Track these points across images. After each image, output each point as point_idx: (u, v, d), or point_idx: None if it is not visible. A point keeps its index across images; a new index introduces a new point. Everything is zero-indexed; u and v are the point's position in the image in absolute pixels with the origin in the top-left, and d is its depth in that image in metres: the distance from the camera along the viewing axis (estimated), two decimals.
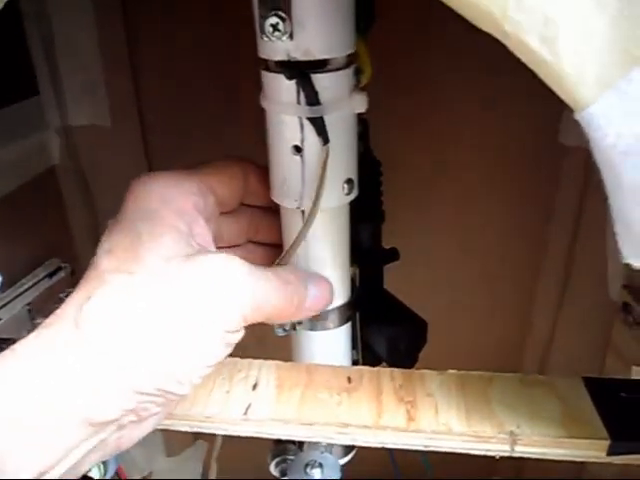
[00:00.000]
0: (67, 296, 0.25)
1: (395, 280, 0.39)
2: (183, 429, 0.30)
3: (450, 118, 0.48)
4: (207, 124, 0.51)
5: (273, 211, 0.33)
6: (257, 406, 0.30)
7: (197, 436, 0.68)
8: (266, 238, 0.35)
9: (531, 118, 0.46)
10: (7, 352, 0.23)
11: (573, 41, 0.16)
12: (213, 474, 0.67)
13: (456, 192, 0.51)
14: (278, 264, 0.31)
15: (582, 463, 0.50)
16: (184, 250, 0.26)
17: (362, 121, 0.35)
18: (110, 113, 0.49)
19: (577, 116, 0.18)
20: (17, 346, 0.23)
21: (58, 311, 0.24)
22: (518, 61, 0.17)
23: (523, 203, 0.51)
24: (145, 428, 0.27)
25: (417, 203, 0.51)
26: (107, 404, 0.23)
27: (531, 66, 0.17)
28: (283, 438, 0.29)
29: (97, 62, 0.47)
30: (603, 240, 0.45)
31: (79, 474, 0.25)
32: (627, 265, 0.30)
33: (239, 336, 0.26)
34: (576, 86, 0.17)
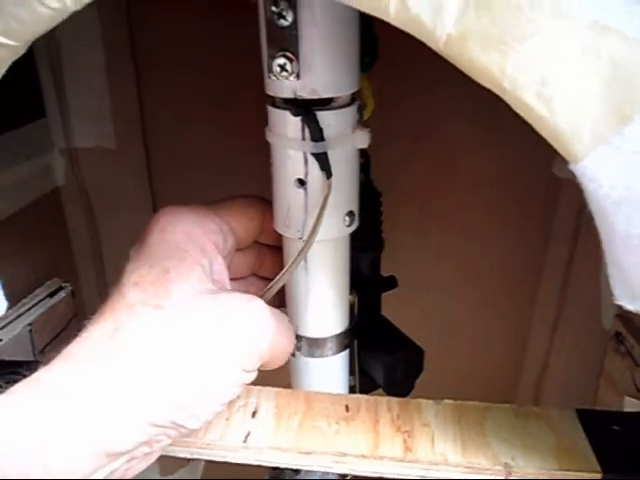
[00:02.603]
0: (74, 321, 0.26)
1: (393, 306, 0.40)
2: (182, 455, 0.30)
3: (446, 149, 0.49)
4: (210, 148, 0.51)
5: (279, 249, 0.34)
6: (256, 434, 0.30)
7: None
8: (268, 273, 0.36)
9: (528, 146, 0.47)
10: (31, 380, 0.23)
11: (569, 100, 0.17)
12: None
13: (453, 220, 0.52)
14: (270, 289, 0.31)
15: None
16: (207, 287, 0.27)
17: (363, 153, 0.36)
18: (115, 135, 0.50)
19: (572, 167, 0.19)
20: (40, 374, 0.23)
21: (82, 339, 0.25)
22: None
23: (519, 231, 0.52)
24: (150, 459, 0.28)
25: (414, 230, 0.52)
26: (124, 435, 0.24)
27: (528, 120, 0.18)
28: (281, 466, 0.30)
29: (103, 85, 0.48)
30: (597, 270, 0.46)
31: None
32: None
33: (253, 376, 0.28)
34: (571, 141, 0.18)
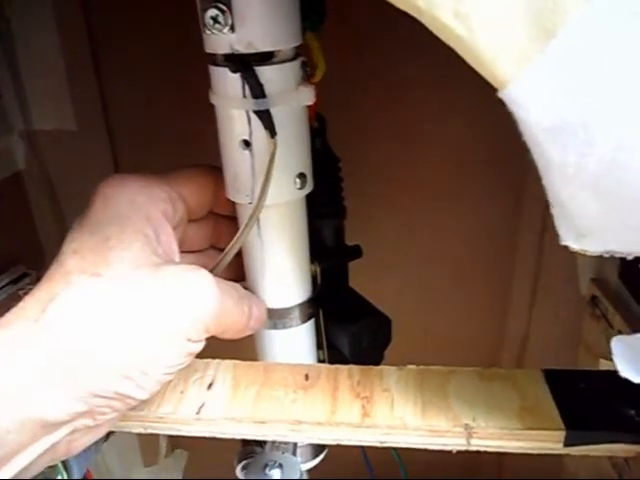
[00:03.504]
0: (26, 294, 0.25)
1: (366, 282, 0.39)
2: (136, 431, 0.29)
3: (413, 116, 0.47)
4: (174, 126, 0.50)
5: (236, 219, 0.33)
6: (211, 405, 0.29)
7: (175, 445, 0.67)
8: (227, 244, 0.35)
9: (496, 108, 0.46)
10: None
11: (487, 15, 0.16)
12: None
13: (423, 189, 0.50)
14: (221, 259, 0.30)
15: (561, 463, 0.50)
16: (150, 257, 0.26)
17: (319, 117, 0.35)
18: (75, 117, 0.49)
19: (500, 94, 0.18)
20: None
21: (17, 309, 0.24)
22: None
23: (493, 200, 0.51)
24: (98, 433, 0.27)
25: (383, 202, 0.51)
26: (61, 405, 0.23)
27: (449, 43, 0.17)
28: (237, 437, 0.29)
29: (60, 65, 0.47)
30: None
31: (27, 477, 0.25)
32: (596, 258, 0.30)
33: (200, 346, 0.27)
34: (495, 63, 0.17)
